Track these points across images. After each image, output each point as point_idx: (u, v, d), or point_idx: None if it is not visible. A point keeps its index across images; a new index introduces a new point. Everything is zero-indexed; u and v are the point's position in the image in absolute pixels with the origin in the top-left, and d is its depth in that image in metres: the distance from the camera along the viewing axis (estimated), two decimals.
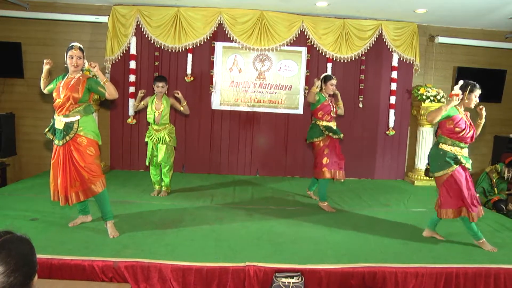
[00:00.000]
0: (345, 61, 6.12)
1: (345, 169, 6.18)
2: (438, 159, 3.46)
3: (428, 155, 3.63)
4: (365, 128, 6.36)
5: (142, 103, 4.60)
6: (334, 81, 4.42)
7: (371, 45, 6.11)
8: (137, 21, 5.82)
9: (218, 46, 6.06)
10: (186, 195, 4.84)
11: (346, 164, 6.21)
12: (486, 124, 6.52)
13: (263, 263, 2.88)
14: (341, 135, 4.44)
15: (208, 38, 5.93)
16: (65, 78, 3.32)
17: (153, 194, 4.76)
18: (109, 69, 5.87)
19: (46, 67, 3.38)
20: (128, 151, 6.14)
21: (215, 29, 5.91)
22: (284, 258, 3.03)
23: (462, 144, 3.42)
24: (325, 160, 4.34)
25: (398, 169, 6.54)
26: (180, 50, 5.91)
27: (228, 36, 5.94)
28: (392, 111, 6.31)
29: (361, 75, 6.23)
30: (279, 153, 6.32)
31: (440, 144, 3.47)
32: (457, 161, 3.37)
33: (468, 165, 3.43)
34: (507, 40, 6.49)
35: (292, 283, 2.73)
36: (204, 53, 6.03)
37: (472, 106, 3.45)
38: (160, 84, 4.50)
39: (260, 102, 6.20)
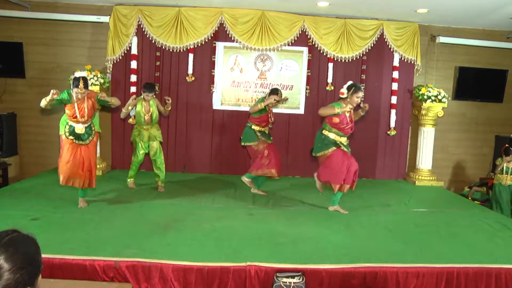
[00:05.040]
0: (346, 61, 6.11)
1: None
2: (319, 142, 4.16)
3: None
4: (366, 128, 6.33)
5: (130, 107, 4.77)
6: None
7: (372, 45, 6.11)
8: (138, 21, 5.83)
9: (219, 46, 6.06)
10: (187, 195, 4.84)
11: None
12: (488, 124, 6.67)
13: (264, 263, 2.88)
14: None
15: (209, 38, 5.93)
16: (76, 101, 3.82)
17: (130, 185, 5.05)
18: (110, 69, 5.88)
19: (52, 97, 3.67)
20: (129, 151, 6.12)
21: (216, 29, 5.91)
22: (285, 258, 3.02)
23: (341, 134, 4.09)
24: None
25: (399, 169, 6.54)
26: (181, 50, 5.92)
27: (229, 36, 5.94)
28: (393, 111, 6.31)
29: (362, 75, 6.22)
30: (280, 153, 6.29)
31: (324, 130, 4.14)
32: (336, 145, 4.08)
33: (345, 149, 4.14)
34: (509, 40, 6.48)
35: (293, 283, 2.73)
36: (205, 53, 6.03)
37: (354, 105, 3.92)
38: (150, 94, 4.72)
39: None
